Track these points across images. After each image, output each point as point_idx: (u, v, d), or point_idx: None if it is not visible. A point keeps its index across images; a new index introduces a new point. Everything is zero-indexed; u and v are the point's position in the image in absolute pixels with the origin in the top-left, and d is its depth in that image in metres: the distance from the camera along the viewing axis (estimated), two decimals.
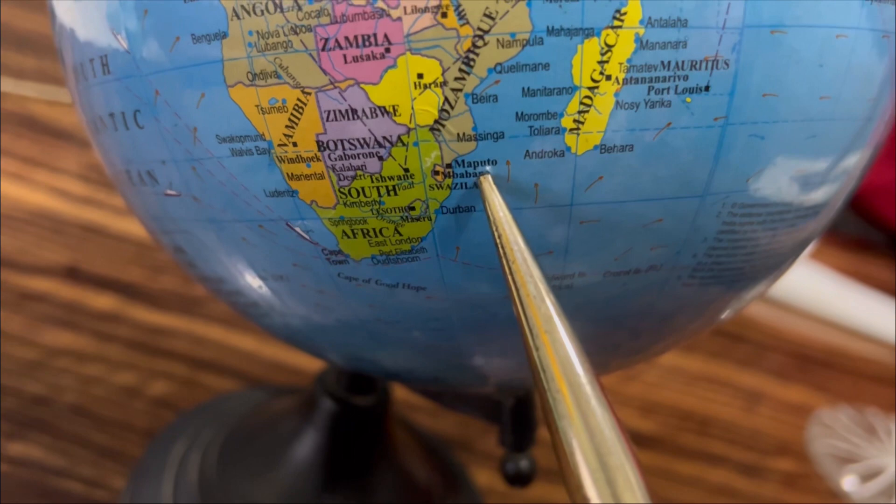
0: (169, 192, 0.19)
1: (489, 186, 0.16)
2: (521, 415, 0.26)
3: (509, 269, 0.15)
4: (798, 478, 0.47)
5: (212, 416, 0.35)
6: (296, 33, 0.15)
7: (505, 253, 0.15)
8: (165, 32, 0.17)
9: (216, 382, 0.39)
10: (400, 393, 0.33)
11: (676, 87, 0.16)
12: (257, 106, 0.16)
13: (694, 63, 0.16)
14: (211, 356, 0.41)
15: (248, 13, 0.15)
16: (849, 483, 0.47)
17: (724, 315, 0.22)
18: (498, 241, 0.15)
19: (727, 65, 0.16)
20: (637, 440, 0.45)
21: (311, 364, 0.40)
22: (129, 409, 0.36)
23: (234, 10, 0.16)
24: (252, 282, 0.20)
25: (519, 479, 0.27)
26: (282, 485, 0.31)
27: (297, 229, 0.18)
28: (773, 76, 0.16)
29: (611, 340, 0.21)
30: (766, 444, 0.48)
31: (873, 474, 0.48)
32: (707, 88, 0.16)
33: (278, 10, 0.15)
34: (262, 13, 0.15)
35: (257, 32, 0.16)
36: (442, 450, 0.39)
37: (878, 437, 0.51)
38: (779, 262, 0.21)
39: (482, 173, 0.16)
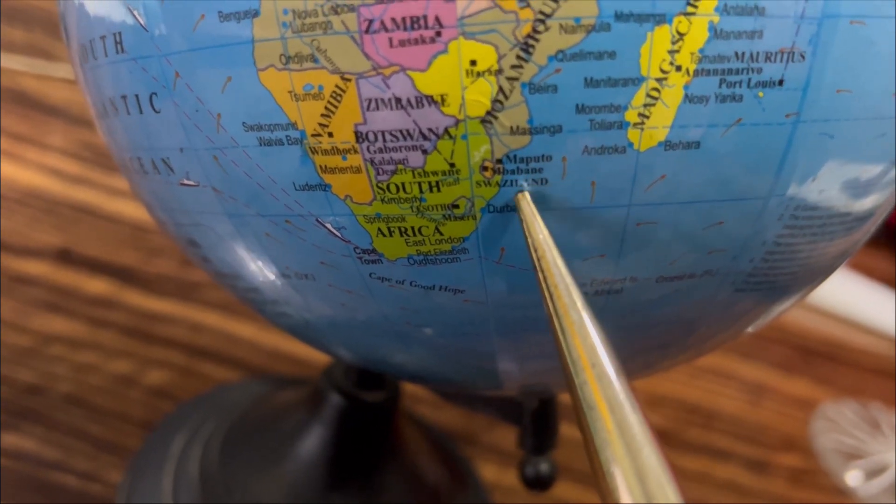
0: (186, 181, 0.18)
1: (528, 205, 0.15)
2: (543, 417, 0.25)
3: (550, 296, 0.13)
4: (804, 474, 0.46)
5: (213, 407, 0.34)
6: (336, 13, 0.14)
7: (545, 278, 0.14)
8: (189, 9, 0.15)
9: (215, 371, 0.38)
10: (406, 386, 0.32)
11: (749, 80, 0.14)
12: (290, 92, 0.15)
13: (769, 55, 0.14)
14: (209, 344, 0.39)
15: None
16: (853, 479, 0.47)
17: (764, 322, 0.21)
18: (537, 264, 0.14)
19: (803, 57, 0.15)
20: None
21: (312, 354, 0.38)
22: (126, 398, 0.35)
23: None
24: (273, 280, 0.19)
25: (539, 483, 0.26)
26: (286, 481, 0.29)
27: (328, 226, 0.16)
28: (849, 71, 0.15)
29: (655, 344, 0.19)
30: (771, 439, 0.48)
31: (878, 470, 0.47)
32: (781, 82, 0.15)
33: None
34: None
35: (293, 11, 0.14)
36: (448, 444, 0.38)
37: (882, 432, 0.51)
38: (827, 269, 0.20)
39: (520, 191, 0.15)
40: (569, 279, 0.13)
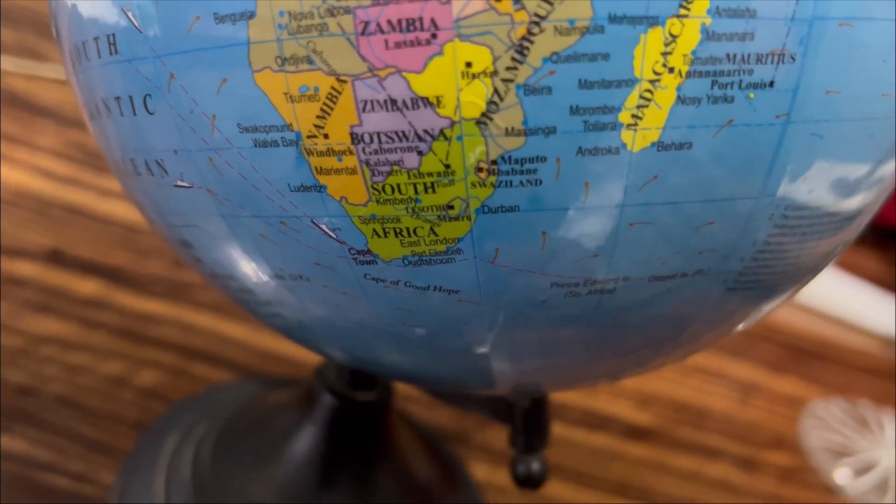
0: (180, 183, 0.18)
1: None
2: (534, 417, 0.25)
3: None
4: (793, 472, 0.47)
5: (205, 408, 0.34)
6: (332, 15, 0.14)
7: None
8: (183, 10, 0.15)
9: (207, 372, 0.38)
10: (398, 385, 0.32)
11: (741, 81, 0.15)
12: (286, 93, 0.15)
13: (760, 56, 0.15)
14: (201, 344, 0.39)
15: None
16: (842, 476, 0.47)
17: (754, 320, 0.21)
18: None
19: (793, 59, 0.15)
20: (634, 433, 0.44)
21: (304, 354, 0.38)
22: (118, 399, 0.35)
23: None
24: (267, 280, 0.19)
25: (530, 482, 0.26)
26: (279, 481, 0.29)
27: (323, 227, 0.16)
28: (838, 72, 0.15)
29: (647, 342, 0.20)
30: (761, 438, 0.48)
31: (866, 468, 0.48)
32: (772, 84, 0.15)
33: None
34: None
35: (289, 13, 0.14)
36: (440, 444, 0.38)
37: (870, 430, 0.51)
38: (816, 267, 0.20)
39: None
40: None
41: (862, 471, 0.48)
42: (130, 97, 0.17)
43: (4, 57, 0.50)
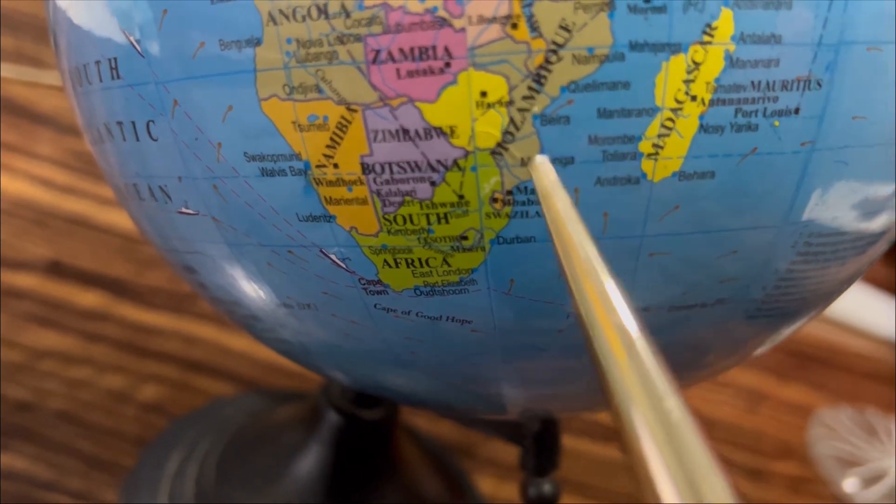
0: (184, 210, 0.17)
1: (547, 172, 0.13)
2: (545, 439, 0.25)
3: (574, 283, 0.12)
4: (802, 482, 0.46)
5: (208, 423, 0.33)
6: (342, 43, 0.13)
7: (567, 254, 0.12)
8: (188, 36, 0.15)
9: (209, 385, 0.38)
10: None
11: (765, 109, 0.14)
12: (294, 122, 0.14)
13: (785, 83, 0.14)
14: (203, 357, 0.39)
15: (288, 18, 0.14)
16: (850, 486, 0.46)
17: (774, 343, 0.21)
18: (558, 243, 0.12)
19: (819, 85, 0.14)
20: None
21: None
22: (119, 415, 0.34)
23: (270, 14, 0.14)
24: (273, 308, 0.18)
25: None
26: (283, 501, 0.29)
27: (332, 257, 0.16)
28: (864, 97, 0.15)
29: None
30: (769, 447, 0.47)
31: (875, 477, 0.47)
32: (797, 111, 0.14)
33: (322, 15, 0.13)
34: (304, 18, 0.13)
35: (297, 41, 0.14)
36: (445, 458, 0.37)
37: (879, 438, 0.51)
38: (836, 291, 0.20)
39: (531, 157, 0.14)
40: (597, 260, 0.12)
41: (871, 480, 0.47)
42: (133, 122, 0.17)
43: (4, 64, 0.50)
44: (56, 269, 0.40)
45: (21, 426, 0.32)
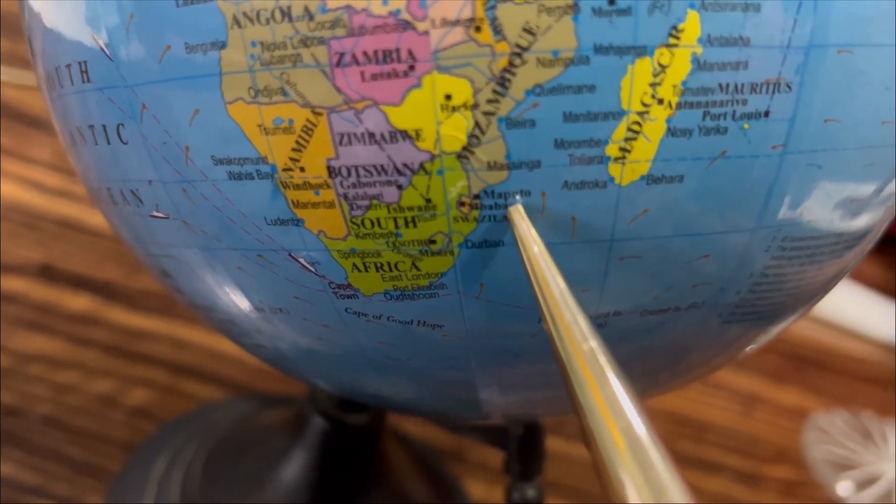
0: (156, 213, 0.17)
1: (521, 218, 0.14)
2: (529, 443, 0.25)
3: (549, 312, 0.13)
4: (796, 486, 0.46)
5: (195, 429, 0.33)
6: (306, 46, 0.13)
7: (543, 294, 0.13)
8: (154, 39, 0.15)
9: (198, 390, 0.38)
10: None
11: (734, 112, 0.14)
12: (260, 125, 0.14)
13: (754, 86, 0.14)
14: (193, 361, 0.39)
15: (252, 21, 0.13)
16: (844, 489, 0.46)
17: (761, 343, 0.21)
18: (534, 280, 0.13)
19: (789, 88, 0.14)
20: None
21: None
22: (107, 420, 0.34)
23: (234, 17, 0.14)
24: (247, 313, 0.18)
25: None
26: None
27: (301, 261, 0.16)
28: (837, 100, 0.15)
29: (642, 373, 0.19)
30: (763, 451, 0.47)
31: (869, 481, 0.47)
32: (767, 114, 0.14)
33: (286, 18, 0.13)
34: (268, 21, 0.13)
35: (261, 43, 0.14)
36: (435, 463, 0.37)
37: (874, 442, 0.50)
38: (817, 293, 0.20)
39: (511, 204, 0.14)
40: (568, 294, 0.13)
41: (865, 484, 0.47)
42: (104, 126, 0.16)
43: None
44: (46, 273, 0.40)
45: (8, 431, 0.32)
